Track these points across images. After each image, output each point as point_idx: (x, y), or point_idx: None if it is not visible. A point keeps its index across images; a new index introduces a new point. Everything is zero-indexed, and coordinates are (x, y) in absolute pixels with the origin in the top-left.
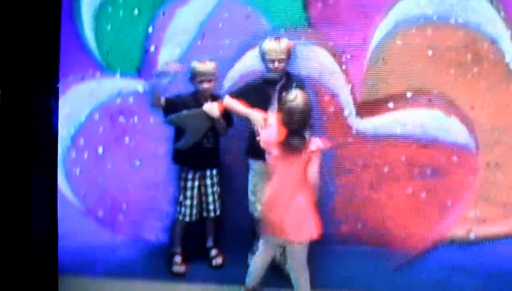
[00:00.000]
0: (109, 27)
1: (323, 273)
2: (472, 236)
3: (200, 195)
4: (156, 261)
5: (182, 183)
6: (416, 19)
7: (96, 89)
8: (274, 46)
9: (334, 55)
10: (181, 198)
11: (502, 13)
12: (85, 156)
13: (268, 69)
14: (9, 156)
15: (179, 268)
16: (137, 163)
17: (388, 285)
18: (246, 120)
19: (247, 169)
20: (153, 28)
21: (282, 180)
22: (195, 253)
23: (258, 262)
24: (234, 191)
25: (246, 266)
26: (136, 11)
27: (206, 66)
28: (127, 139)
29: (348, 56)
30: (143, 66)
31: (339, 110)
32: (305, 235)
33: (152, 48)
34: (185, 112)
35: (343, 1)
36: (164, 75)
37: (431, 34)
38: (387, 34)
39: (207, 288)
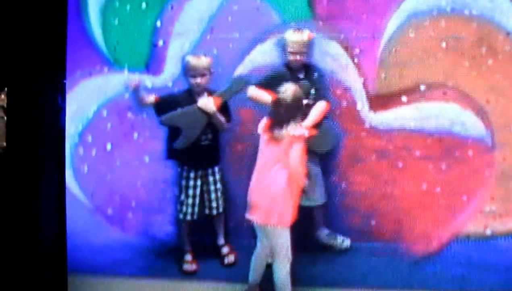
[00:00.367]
0: (116, 22)
1: (337, 270)
2: (488, 231)
3: (202, 193)
4: (167, 259)
5: (183, 182)
6: (429, 11)
7: (104, 85)
8: (296, 38)
9: (346, 48)
10: (182, 196)
11: None
12: (93, 153)
13: (289, 61)
14: (16, 154)
15: (189, 266)
16: (147, 159)
17: (403, 282)
18: None
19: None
20: (161, 22)
21: (264, 164)
22: (206, 250)
23: (256, 258)
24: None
25: None
26: (144, 5)
27: (200, 60)
28: (136, 135)
29: (360, 50)
30: (151, 61)
31: (352, 104)
32: (273, 219)
33: (160, 43)
34: (179, 110)
35: None
36: (132, 89)
37: (444, 26)
38: (400, 26)
39: (218, 287)
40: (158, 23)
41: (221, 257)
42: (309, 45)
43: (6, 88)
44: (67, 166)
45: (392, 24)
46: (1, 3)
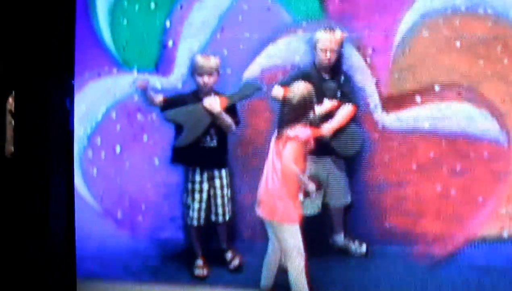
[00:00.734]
0: (125, 22)
1: (351, 273)
2: (505, 234)
3: (209, 198)
4: (177, 264)
5: (189, 186)
6: (443, 10)
7: (113, 86)
8: (328, 36)
9: (358, 48)
10: (188, 201)
11: None
12: (102, 155)
13: (319, 60)
14: (25, 157)
15: (201, 271)
16: (156, 161)
17: (418, 285)
18: None
19: None
20: (170, 22)
21: (269, 161)
22: (217, 255)
23: (267, 262)
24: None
25: None
26: (152, 5)
27: (208, 60)
28: (145, 137)
29: (373, 49)
30: (161, 62)
31: (365, 105)
32: (277, 215)
33: (170, 43)
34: (183, 108)
35: None
36: (141, 90)
37: (459, 25)
38: (413, 26)
39: None
40: (168, 23)
41: (227, 263)
42: (340, 44)
43: (13, 91)
44: (76, 169)
45: (405, 23)
46: (8, 5)
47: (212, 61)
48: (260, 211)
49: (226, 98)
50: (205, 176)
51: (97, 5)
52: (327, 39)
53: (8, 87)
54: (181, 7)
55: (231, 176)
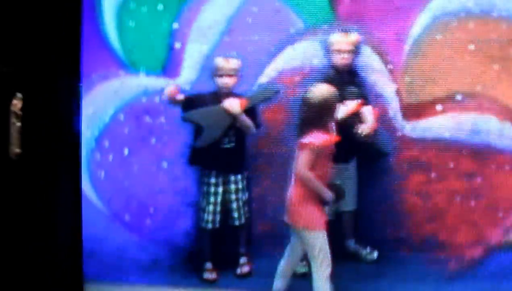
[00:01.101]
0: (132, 24)
1: (370, 281)
2: None
3: (224, 201)
4: (186, 267)
5: (205, 188)
6: (456, 13)
7: (120, 89)
8: (342, 38)
9: (379, 53)
10: (203, 203)
11: None
12: (110, 158)
13: (334, 63)
14: (32, 159)
15: (210, 274)
16: (165, 164)
17: None
18: None
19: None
20: (178, 24)
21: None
22: (227, 259)
23: (282, 265)
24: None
25: None
26: (160, 7)
27: (228, 62)
28: (153, 140)
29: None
30: (168, 64)
31: (384, 112)
32: (300, 221)
33: (177, 45)
34: (203, 108)
35: None
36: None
37: (472, 28)
38: (426, 28)
39: None
40: (175, 25)
41: (237, 267)
42: (356, 46)
43: (20, 94)
44: (83, 172)
45: (417, 27)
46: (15, 7)
47: (233, 63)
48: (287, 218)
49: (246, 99)
50: (220, 179)
51: (104, 7)
52: (342, 41)
53: (15, 90)
54: (189, 9)
55: (248, 179)
